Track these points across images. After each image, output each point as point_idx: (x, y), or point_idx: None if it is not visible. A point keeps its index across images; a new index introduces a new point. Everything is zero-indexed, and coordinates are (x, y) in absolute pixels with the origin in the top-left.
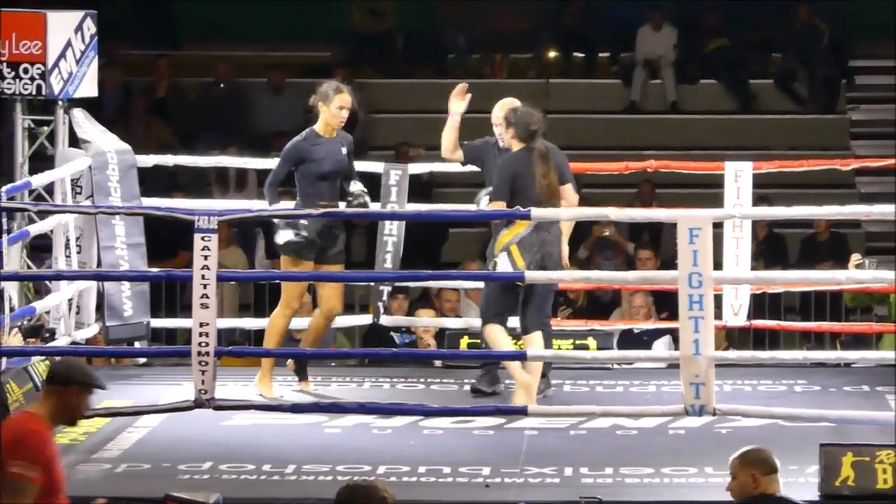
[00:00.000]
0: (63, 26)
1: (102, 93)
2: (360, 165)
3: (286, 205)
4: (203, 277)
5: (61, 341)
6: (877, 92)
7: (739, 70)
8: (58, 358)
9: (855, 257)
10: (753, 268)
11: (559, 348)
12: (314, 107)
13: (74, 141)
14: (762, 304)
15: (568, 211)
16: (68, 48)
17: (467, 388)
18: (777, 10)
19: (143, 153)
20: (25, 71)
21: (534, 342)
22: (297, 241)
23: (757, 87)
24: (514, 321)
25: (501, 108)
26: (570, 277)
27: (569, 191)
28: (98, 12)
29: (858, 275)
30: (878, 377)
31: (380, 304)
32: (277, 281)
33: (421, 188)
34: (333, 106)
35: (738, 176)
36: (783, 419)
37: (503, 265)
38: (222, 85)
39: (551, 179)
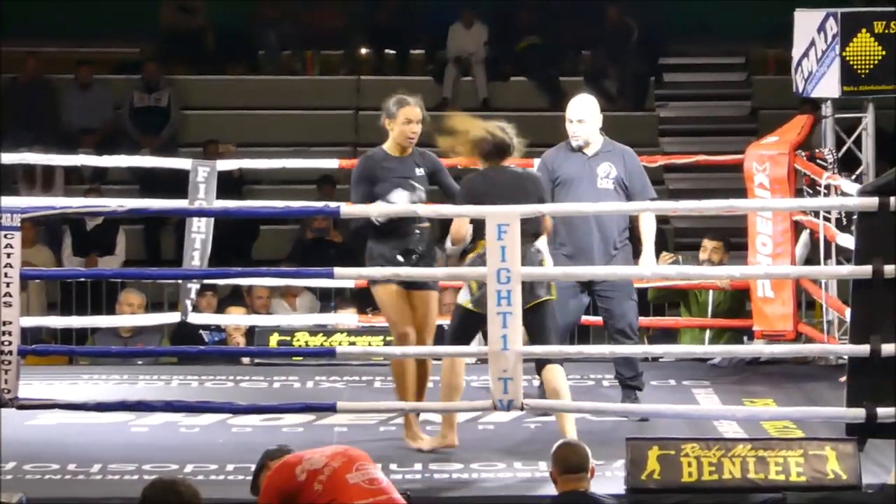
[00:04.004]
0: None
1: None
2: (169, 162)
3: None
4: (6, 275)
5: None
6: (685, 89)
7: (550, 68)
8: None
9: (665, 256)
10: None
11: (370, 344)
12: (383, 127)
13: None
14: None
15: (376, 207)
16: None
17: (277, 385)
18: (587, 9)
19: None
20: None
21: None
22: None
23: (567, 84)
24: None
25: (575, 105)
26: (380, 275)
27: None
28: None
29: (664, 270)
30: (684, 371)
31: (188, 301)
32: (83, 279)
33: (231, 185)
34: (399, 122)
35: None
36: (591, 413)
37: (462, 291)
38: (15, 77)
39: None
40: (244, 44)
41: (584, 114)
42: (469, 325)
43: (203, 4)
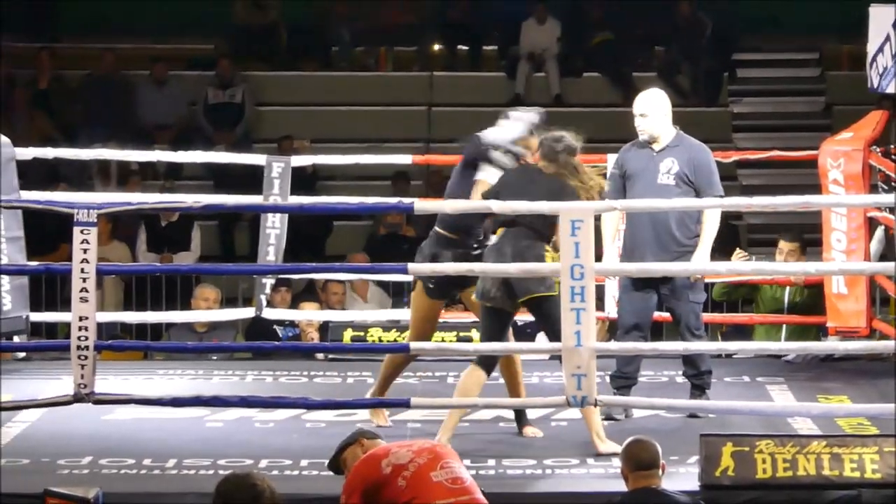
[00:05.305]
0: None
1: None
2: (244, 158)
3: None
4: (82, 271)
5: None
6: (758, 85)
7: (623, 63)
8: None
9: (738, 254)
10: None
11: (443, 340)
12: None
13: None
14: None
15: (450, 203)
16: None
17: (351, 380)
18: (660, 4)
19: (24, 146)
20: None
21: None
22: (429, 285)
23: (640, 80)
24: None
25: (639, 100)
26: (454, 270)
27: None
28: None
29: (738, 266)
30: (758, 368)
31: (262, 296)
32: (158, 274)
33: (305, 181)
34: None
35: None
36: (664, 410)
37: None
38: (91, 74)
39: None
40: (317, 40)
41: (646, 108)
42: (490, 321)
43: (276, 1)
